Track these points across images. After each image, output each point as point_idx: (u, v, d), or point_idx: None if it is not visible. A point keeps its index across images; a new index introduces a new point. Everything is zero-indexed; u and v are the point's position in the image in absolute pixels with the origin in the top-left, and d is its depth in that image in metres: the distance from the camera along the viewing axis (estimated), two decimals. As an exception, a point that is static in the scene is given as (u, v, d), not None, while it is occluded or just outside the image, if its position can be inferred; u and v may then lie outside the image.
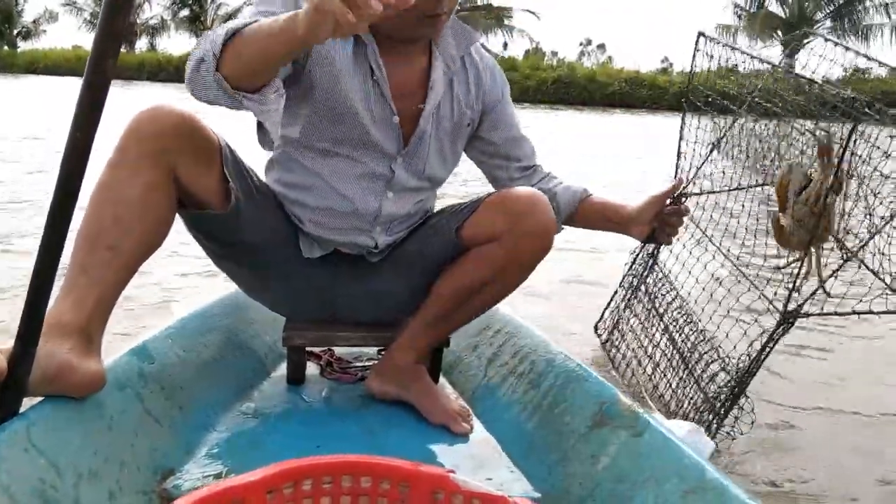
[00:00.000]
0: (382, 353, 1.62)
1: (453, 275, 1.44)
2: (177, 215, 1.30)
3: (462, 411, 1.49)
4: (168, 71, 30.68)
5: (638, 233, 1.60)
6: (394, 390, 1.54)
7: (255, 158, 1.47)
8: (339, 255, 1.51)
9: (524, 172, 1.63)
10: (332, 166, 1.41)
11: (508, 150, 1.60)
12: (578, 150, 9.85)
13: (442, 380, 1.71)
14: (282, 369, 1.70)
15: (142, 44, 39.54)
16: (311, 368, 1.72)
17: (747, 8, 28.83)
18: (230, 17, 37.10)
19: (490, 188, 1.59)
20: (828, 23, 27.57)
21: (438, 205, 1.62)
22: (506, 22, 31.87)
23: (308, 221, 1.46)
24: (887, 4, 26.22)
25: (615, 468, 1.22)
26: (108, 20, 0.70)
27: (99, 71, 0.74)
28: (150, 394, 1.32)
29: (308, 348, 1.66)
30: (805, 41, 26.96)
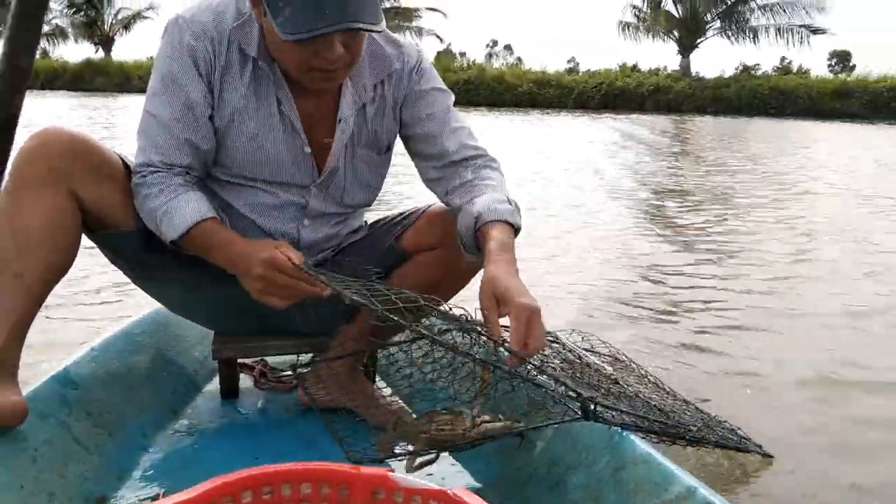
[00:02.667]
0: (316, 358, 1.61)
1: (396, 279, 1.45)
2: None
3: (399, 411, 1.50)
4: (63, 79, 29.26)
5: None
6: (329, 397, 1.53)
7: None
8: None
9: (441, 172, 1.44)
10: (244, 198, 1.39)
11: (420, 148, 1.44)
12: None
13: (379, 381, 1.72)
14: (214, 384, 1.68)
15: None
16: (245, 380, 1.70)
17: (644, 8, 29.93)
18: (129, 22, 35.68)
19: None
20: (717, 23, 28.91)
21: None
22: (414, 23, 31.94)
23: None
24: (768, 6, 27.78)
25: (550, 453, 1.26)
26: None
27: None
28: (75, 421, 1.28)
29: (240, 360, 1.64)
30: (698, 41, 28.39)
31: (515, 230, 1.28)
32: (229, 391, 1.62)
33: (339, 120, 1.36)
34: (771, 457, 1.61)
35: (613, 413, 1.09)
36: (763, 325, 2.76)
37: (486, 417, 1.13)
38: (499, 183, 1.38)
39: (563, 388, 1.07)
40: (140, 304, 1.94)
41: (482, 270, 1.18)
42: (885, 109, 22.84)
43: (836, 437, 1.83)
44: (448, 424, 1.14)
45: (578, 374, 1.29)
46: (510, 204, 1.30)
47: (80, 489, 1.18)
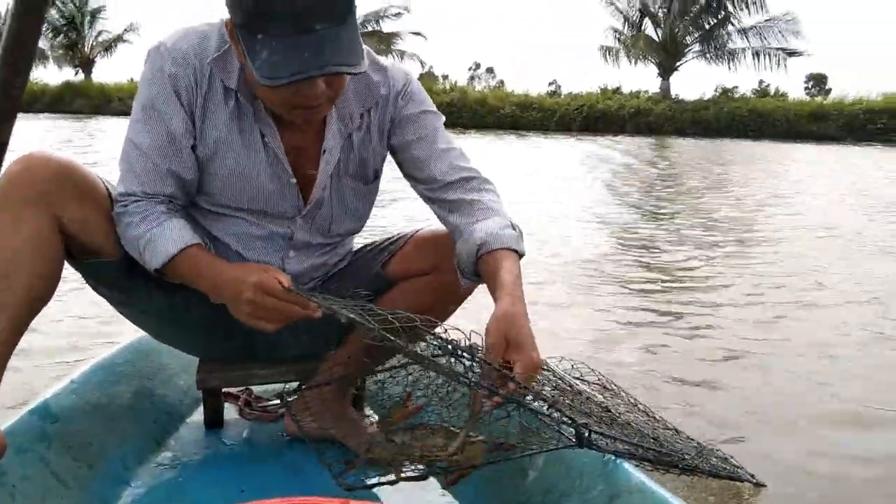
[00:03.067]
0: (303, 387, 1.58)
1: (384, 305, 1.41)
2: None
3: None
4: (43, 101, 29.07)
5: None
6: (310, 429, 1.49)
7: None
8: None
9: (435, 194, 1.40)
10: (228, 228, 1.37)
11: (412, 171, 1.41)
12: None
13: (367, 409, 1.70)
14: (198, 414, 1.64)
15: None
16: (230, 410, 1.67)
17: (625, 32, 30.35)
18: (110, 45, 35.62)
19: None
20: (696, 46, 29.42)
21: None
22: (396, 46, 32.15)
23: None
24: (745, 30, 28.33)
25: (543, 481, 1.25)
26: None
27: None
28: (55, 455, 1.25)
29: (224, 389, 1.61)
30: (678, 64, 28.80)
31: (520, 256, 1.26)
32: (214, 421, 1.59)
33: (324, 151, 1.33)
34: (763, 486, 1.60)
35: (608, 440, 1.08)
36: (757, 354, 2.75)
37: (482, 437, 1.11)
38: (498, 206, 1.34)
39: (557, 413, 1.05)
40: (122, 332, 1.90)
41: (495, 304, 1.15)
42: (860, 131, 23.25)
43: (832, 468, 1.82)
44: (440, 440, 1.12)
45: (569, 402, 1.27)
46: (514, 229, 1.27)
47: (60, 525, 1.14)
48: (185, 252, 1.23)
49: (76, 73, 35.02)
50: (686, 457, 1.31)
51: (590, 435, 1.06)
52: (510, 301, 1.13)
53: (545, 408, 1.07)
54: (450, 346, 1.06)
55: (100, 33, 35.98)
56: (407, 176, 1.44)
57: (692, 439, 1.54)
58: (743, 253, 4.84)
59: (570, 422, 1.04)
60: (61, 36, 34.86)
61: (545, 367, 1.42)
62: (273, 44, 1.06)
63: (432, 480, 1.37)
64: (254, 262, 1.38)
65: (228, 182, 1.31)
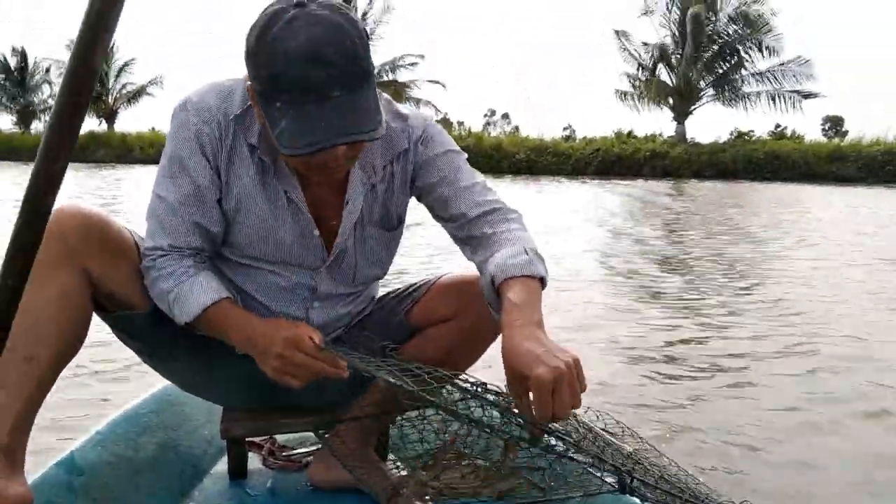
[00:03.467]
0: (327, 436, 1.57)
1: (410, 353, 1.40)
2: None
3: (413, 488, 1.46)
4: None
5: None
6: (340, 477, 1.49)
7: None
8: None
9: (463, 232, 1.37)
10: (252, 278, 1.37)
11: (439, 212, 1.39)
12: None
13: (391, 457, 1.68)
14: (222, 464, 1.63)
15: (38, 125, 38.11)
16: (254, 460, 1.66)
17: (640, 76, 30.69)
18: (134, 96, 36.56)
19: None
20: (711, 90, 29.65)
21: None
22: (412, 94, 32.72)
23: None
24: (759, 74, 28.57)
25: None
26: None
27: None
28: (81, 508, 1.24)
29: (249, 438, 1.60)
30: (693, 108, 29.04)
31: (540, 281, 1.20)
32: (238, 471, 1.58)
33: (347, 202, 1.33)
34: None
35: (649, 489, 1.05)
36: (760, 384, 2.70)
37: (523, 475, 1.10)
38: (516, 235, 1.29)
39: (598, 461, 1.03)
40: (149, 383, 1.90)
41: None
42: (880, 172, 23.16)
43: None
44: (471, 474, 1.10)
45: (599, 450, 1.25)
46: (527, 254, 1.22)
47: (85, 580, 1.13)
48: (216, 306, 1.24)
49: (100, 124, 35.96)
50: None
51: (632, 481, 1.04)
52: (508, 335, 1.08)
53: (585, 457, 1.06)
54: (479, 392, 1.05)
55: (124, 86, 37.00)
56: (437, 218, 1.42)
57: (720, 495, 1.50)
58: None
59: (612, 468, 1.02)
60: None
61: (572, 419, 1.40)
62: (291, 112, 1.07)
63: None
64: (278, 313, 1.38)
65: (252, 234, 1.31)
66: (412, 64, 32.51)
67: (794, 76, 28.00)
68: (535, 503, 1.09)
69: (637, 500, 1.12)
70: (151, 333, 1.33)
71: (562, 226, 9.08)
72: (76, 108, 0.57)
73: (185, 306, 1.23)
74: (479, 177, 1.39)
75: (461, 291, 1.41)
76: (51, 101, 38.10)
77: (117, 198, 11.35)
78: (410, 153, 1.37)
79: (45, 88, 38.67)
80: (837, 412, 2.52)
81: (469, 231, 1.34)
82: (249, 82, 1.14)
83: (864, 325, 3.90)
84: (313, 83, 1.05)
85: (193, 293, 1.24)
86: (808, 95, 28.09)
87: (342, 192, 1.34)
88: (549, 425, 1.04)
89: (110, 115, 36.25)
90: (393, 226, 1.43)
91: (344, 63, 1.06)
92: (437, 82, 33.15)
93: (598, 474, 1.08)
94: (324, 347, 1.19)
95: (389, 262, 1.48)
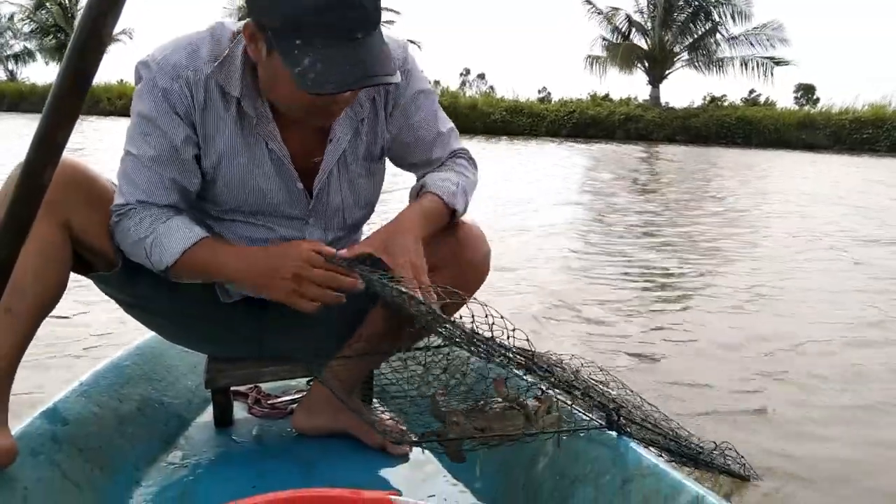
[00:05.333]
0: (311, 383, 1.58)
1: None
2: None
3: (398, 432, 1.48)
4: (31, 101, 28.88)
5: None
6: (324, 422, 1.51)
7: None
8: None
9: (425, 168, 1.45)
10: (238, 232, 1.35)
11: (406, 154, 1.43)
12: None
13: (375, 401, 1.70)
14: (207, 413, 1.64)
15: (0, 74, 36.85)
16: (239, 408, 1.67)
17: (614, 41, 30.51)
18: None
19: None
20: (685, 55, 29.62)
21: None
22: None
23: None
24: (733, 39, 28.57)
25: (554, 467, 1.24)
26: None
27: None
28: (66, 458, 1.25)
29: (233, 388, 1.61)
30: (667, 72, 28.98)
31: (452, 213, 1.32)
32: (223, 420, 1.59)
33: (331, 140, 1.32)
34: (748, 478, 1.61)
35: (635, 427, 1.10)
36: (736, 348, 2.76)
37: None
38: (461, 171, 1.39)
39: (587, 398, 1.07)
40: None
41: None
42: (847, 140, 23.45)
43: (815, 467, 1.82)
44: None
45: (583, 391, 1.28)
46: (456, 187, 1.32)
47: (73, 526, 1.14)
48: (200, 244, 1.22)
49: (64, 75, 35.06)
50: (701, 450, 1.31)
51: (619, 419, 1.08)
52: (396, 222, 1.24)
53: (576, 392, 1.10)
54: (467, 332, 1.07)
55: (92, 35, 35.96)
56: (398, 157, 1.44)
57: (700, 439, 1.55)
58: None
59: (600, 405, 1.05)
60: (50, 37, 34.96)
61: (558, 362, 1.43)
62: (318, 52, 1.06)
63: (447, 472, 1.38)
64: None
65: (234, 189, 1.30)
66: (389, 21, 32.01)
67: (767, 40, 28.04)
68: (522, 439, 1.11)
69: (623, 438, 1.16)
70: (130, 287, 1.33)
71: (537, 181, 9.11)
72: (81, 81, 0.53)
73: (166, 249, 1.21)
74: (451, 122, 1.45)
75: (447, 242, 1.40)
76: (17, 47, 37.32)
77: (86, 148, 11.12)
78: (392, 87, 1.36)
79: (8, 35, 37.40)
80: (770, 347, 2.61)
81: (431, 166, 1.42)
82: (254, 19, 1.11)
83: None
84: (343, 24, 1.05)
85: (172, 235, 1.21)
86: (779, 62, 28.21)
87: (323, 135, 1.32)
88: (538, 363, 1.08)
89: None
90: (377, 158, 1.41)
91: (371, 5, 1.07)
92: (413, 42, 32.67)
93: (587, 413, 1.13)
94: (333, 260, 1.17)
95: (376, 200, 1.46)
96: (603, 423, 1.16)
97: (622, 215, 6.78)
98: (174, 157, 1.24)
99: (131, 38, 36.52)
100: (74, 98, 0.53)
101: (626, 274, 4.15)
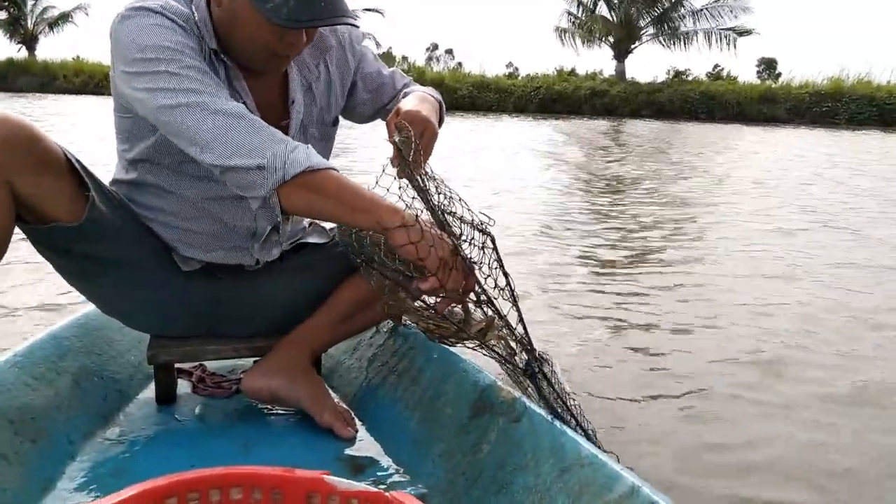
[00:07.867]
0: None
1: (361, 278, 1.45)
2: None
3: (346, 414, 1.47)
4: None
5: None
6: (277, 385, 1.44)
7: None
8: (219, 264, 1.45)
9: (388, 109, 1.56)
10: (198, 189, 1.35)
11: (376, 96, 1.56)
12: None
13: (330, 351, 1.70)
14: (150, 390, 1.61)
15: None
16: (184, 386, 1.64)
17: (579, 14, 30.34)
18: (56, 22, 34.24)
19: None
20: (651, 29, 29.60)
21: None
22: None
23: (178, 242, 1.40)
24: (696, 12, 28.61)
25: (496, 455, 1.25)
26: None
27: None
28: (-6, 429, 1.21)
29: (178, 365, 1.58)
30: (633, 47, 29.00)
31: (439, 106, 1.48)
32: (166, 397, 1.56)
33: (293, 101, 1.38)
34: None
35: (545, 383, 1.27)
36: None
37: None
38: (427, 91, 1.52)
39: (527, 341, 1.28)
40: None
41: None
42: (807, 114, 23.87)
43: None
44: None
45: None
46: (434, 98, 1.48)
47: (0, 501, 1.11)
48: (327, 173, 1.19)
49: (19, 51, 33.70)
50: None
51: (539, 370, 1.27)
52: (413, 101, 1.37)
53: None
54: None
55: (44, 10, 34.56)
56: (372, 106, 1.56)
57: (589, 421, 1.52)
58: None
59: (530, 349, 1.27)
60: (2, 11, 33.46)
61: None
62: None
63: (389, 458, 1.39)
64: (229, 222, 1.38)
65: None
66: (356, -7, 31.25)
67: (731, 11, 28.11)
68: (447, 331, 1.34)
69: (564, 429, 1.17)
70: (77, 249, 1.29)
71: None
72: None
73: (300, 157, 1.17)
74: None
75: None
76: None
77: (45, 126, 10.75)
78: (346, 53, 1.47)
79: None
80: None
81: (393, 103, 1.52)
82: None
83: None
84: None
85: (307, 152, 1.19)
86: (742, 32, 28.29)
87: (284, 95, 1.38)
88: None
89: (30, 42, 33.92)
90: (331, 122, 1.49)
91: None
92: (376, 10, 31.95)
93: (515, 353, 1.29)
94: None
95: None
96: (522, 365, 1.29)
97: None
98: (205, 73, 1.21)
99: (87, 15, 35.16)
100: None
101: (580, 257, 4.19)
